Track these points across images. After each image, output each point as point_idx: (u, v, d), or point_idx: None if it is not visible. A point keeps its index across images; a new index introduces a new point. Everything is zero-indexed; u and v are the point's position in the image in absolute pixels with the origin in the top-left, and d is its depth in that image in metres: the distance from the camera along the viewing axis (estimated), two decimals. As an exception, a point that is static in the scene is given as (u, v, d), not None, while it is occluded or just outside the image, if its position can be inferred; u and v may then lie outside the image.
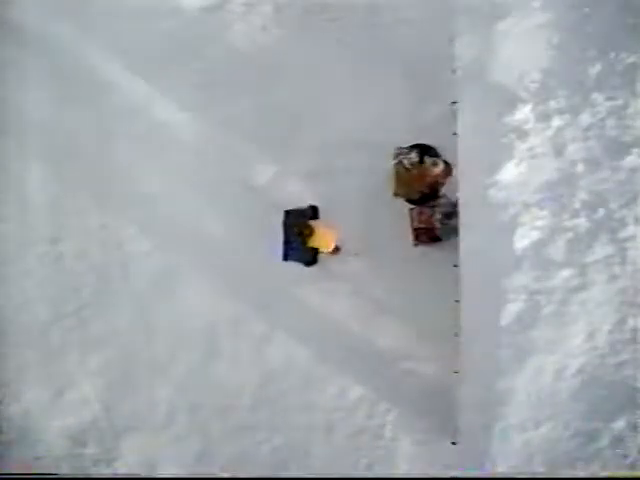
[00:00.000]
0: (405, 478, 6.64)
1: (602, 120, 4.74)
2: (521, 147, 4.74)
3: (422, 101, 6.71)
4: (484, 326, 4.69)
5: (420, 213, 6.44)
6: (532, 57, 4.86)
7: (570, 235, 4.62)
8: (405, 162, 6.20)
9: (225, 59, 7.66)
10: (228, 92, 7.54)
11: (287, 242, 6.92)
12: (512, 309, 4.59)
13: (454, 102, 5.21)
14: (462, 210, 5.04)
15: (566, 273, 4.58)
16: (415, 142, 6.45)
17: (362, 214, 6.87)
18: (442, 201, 6.27)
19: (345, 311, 6.94)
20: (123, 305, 7.34)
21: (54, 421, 7.27)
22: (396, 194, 6.41)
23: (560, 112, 4.73)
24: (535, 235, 4.66)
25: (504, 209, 4.70)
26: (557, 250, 4.59)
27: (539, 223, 4.66)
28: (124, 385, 7.23)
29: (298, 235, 6.62)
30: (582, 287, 4.54)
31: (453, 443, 5.33)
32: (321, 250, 6.86)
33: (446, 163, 6.12)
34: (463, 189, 5.03)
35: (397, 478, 6.68)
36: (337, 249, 6.94)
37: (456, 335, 5.01)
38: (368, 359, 6.86)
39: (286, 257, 6.97)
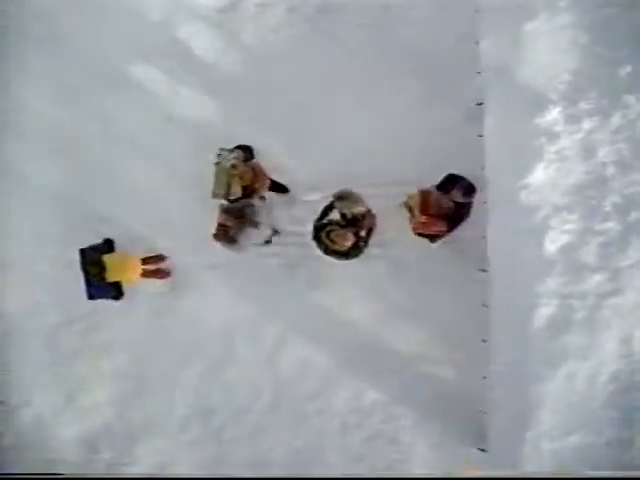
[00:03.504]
0: (406, 478, 6.62)
1: (632, 122, 4.67)
2: (551, 150, 4.67)
3: (437, 102, 6.60)
4: (514, 331, 4.62)
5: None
6: (561, 58, 4.79)
7: (602, 239, 4.55)
8: (225, 163, 6.15)
9: (238, 60, 7.55)
10: (241, 93, 7.43)
11: (88, 281, 6.75)
12: (543, 314, 4.52)
13: (479, 103, 5.13)
14: (490, 213, 4.95)
15: (598, 277, 4.51)
16: (427, 143, 6.39)
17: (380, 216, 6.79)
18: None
19: (362, 314, 6.85)
20: (136, 308, 7.23)
21: (67, 426, 7.20)
22: (214, 195, 6.33)
23: (590, 114, 4.66)
24: (566, 239, 4.59)
25: (534, 212, 4.62)
26: (588, 254, 4.52)
27: (569, 226, 4.58)
28: (138, 390, 7.15)
29: (94, 274, 6.55)
30: (615, 292, 4.47)
31: (481, 450, 5.25)
32: (126, 281, 6.86)
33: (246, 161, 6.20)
34: (491, 192, 4.95)
35: (398, 478, 6.65)
36: (153, 273, 6.94)
37: (484, 341, 4.93)
38: (384, 363, 6.78)
39: (91, 296, 6.82)
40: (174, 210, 7.13)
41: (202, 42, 7.64)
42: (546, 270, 4.59)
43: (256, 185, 6.43)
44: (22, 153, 7.69)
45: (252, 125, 7.28)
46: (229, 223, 6.48)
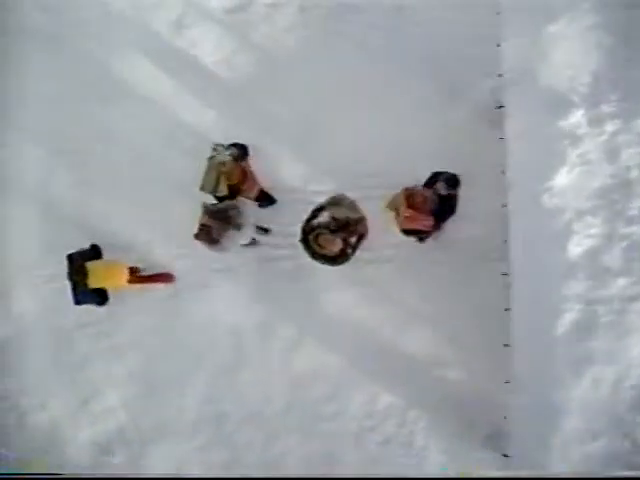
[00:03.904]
0: (408, 478, 6.59)
1: (656, 124, 4.62)
2: (574, 153, 4.62)
3: (455, 104, 6.58)
4: (537, 336, 4.57)
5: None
6: (583, 60, 4.73)
7: (626, 242, 4.51)
8: (218, 158, 6.12)
9: (248, 61, 7.50)
10: (253, 94, 7.39)
11: (74, 287, 6.79)
12: (568, 319, 4.47)
13: (500, 106, 5.08)
14: (512, 216, 4.91)
15: (623, 281, 4.46)
16: (444, 146, 6.34)
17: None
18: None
19: (376, 317, 6.81)
20: (147, 312, 7.20)
21: (80, 430, 7.19)
22: (202, 189, 6.30)
23: (613, 116, 4.61)
24: (589, 243, 4.54)
25: (557, 216, 4.58)
26: (613, 258, 4.47)
27: (593, 231, 4.54)
28: (150, 393, 7.13)
29: (77, 280, 6.57)
30: (640, 296, 4.42)
31: (505, 455, 5.21)
32: (111, 288, 6.90)
33: (236, 159, 6.14)
34: (512, 195, 4.90)
35: (399, 478, 6.63)
36: (139, 279, 6.96)
37: (506, 345, 4.88)
38: (399, 366, 6.76)
39: (78, 302, 6.86)
40: (185, 214, 7.04)
41: (211, 43, 7.60)
42: (570, 274, 4.54)
43: (243, 186, 6.38)
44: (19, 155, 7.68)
45: (263, 127, 7.25)
46: (211, 224, 6.41)
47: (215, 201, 6.71)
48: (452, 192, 6.37)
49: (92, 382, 7.21)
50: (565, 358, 4.46)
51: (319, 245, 5.70)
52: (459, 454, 6.62)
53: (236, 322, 7.04)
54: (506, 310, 4.90)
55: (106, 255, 7.19)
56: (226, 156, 6.15)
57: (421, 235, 6.42)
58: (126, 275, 6.74)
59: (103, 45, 7.71)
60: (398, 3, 7.27)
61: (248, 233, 6.67)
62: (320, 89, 7.22)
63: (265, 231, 7.03)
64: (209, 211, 6.49)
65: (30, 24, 7.89)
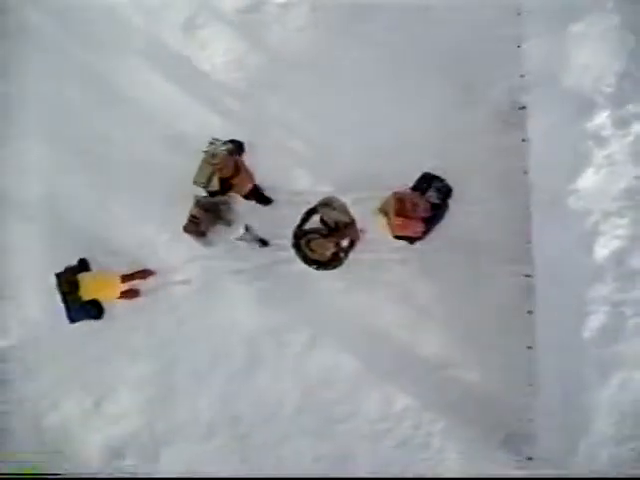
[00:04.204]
0: (410, 478, 6.58)
1: (682, 125, 4.59)
2: (599, 154, 4.58)
3: (470, 104, 6.53)
4: (563, 338, 4.54)
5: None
6: (607, 60, 4.70)
7: (653, 244, 4.48)
8: (210, 151, 6.05)
9: (262, 60, 7.46)
10: (266, 94, 7.35)
11: (67, 305, 6.74)
12: (594, 321, 4.44)
13: (522, 107, 5.04)
14: (535, 218, 4.87)
15: (650, 283, 4.43)
16: (461, 144, 6.31)
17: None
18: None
19: (392, 319, 6.78)
20: (162, 315, 7.15)
21: (93, 433, 7.13)
22: (195, 182, 6.25)
23: (638, 117, 4.57)
24: (616, 244, 4.51)
25: (583, 218, 4.54)
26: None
27: (620, 232, 4.50)
28: (164, 396, 7.07)
29: (69, 293, 6.50)
30: (667, 298, 4.39)
31: (529, 459, 5.17)
32: (104, 299, 6.86)
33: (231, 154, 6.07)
34: (536, 196, 4.86)
35: (401, 478, 6.61)
36: (133, 292, 6.92)
37: (529, 347, 4.85)
38: (414, 368, 6.72)
39: (72, 320, 6.82)
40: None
41: (222, 44, 7.56)
42: (596, 276, 4.51)
43: (235, 181, 6.28)
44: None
45: (277, 127, 7.22)
46: (201, 216, 6.31)
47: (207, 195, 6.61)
48: (442, 202, 6.38)
49: (106, 385, 7.15)
50: (592, 361, 4.43)
51: (311, 250, 5.65)
52: (476, 456, 6.56)
53: (250, 324, 6.99)
54: (529, 313, 4.85)
55: (110, 263, 7.14)
56: (219, 149, 6.09)
57: (412, 239, 6.41)
58: (119, 284, 6.69)
59: (106, 48, 7.64)
60: (412, 3, 7.23)
61: (237, 229, 6.54)
62: (333, 89, 7.18)
63: (264, 243, 6.97)
64: (200, 204, 6.40)
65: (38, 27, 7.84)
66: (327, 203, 5.80)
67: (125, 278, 6.87)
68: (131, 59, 7.58)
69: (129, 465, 7.04)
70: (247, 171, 6.45)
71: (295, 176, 7.16)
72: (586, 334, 4.44)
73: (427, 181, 6.44)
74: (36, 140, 7.63)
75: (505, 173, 5.76)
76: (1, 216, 7.59)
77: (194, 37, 7.60)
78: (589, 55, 4.76)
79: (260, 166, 7.04)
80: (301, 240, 5.66)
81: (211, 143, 6.15)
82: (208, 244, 6.27)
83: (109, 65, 7.60)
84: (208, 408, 7.01)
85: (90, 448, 7.11)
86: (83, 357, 7.19)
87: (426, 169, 6.39)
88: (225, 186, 6.26)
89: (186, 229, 6.45)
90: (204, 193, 6.51)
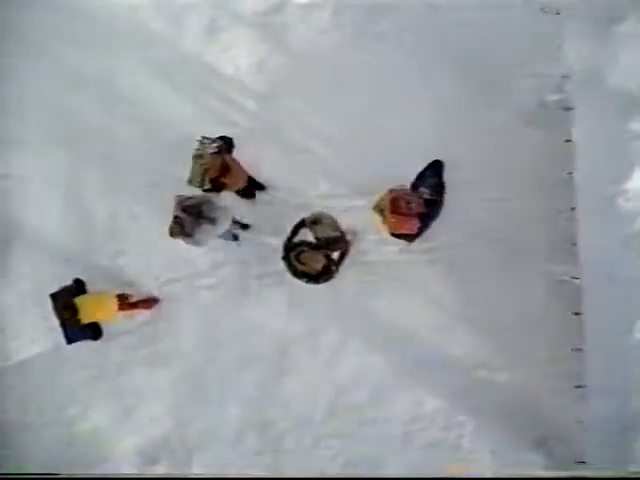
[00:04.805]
0: (412, 478, 6.59)
1: None
2: (648, 155, 4.54)
3: (501, 104, 6.52)
4: (611, 340, 4.51)
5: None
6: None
7: None
8: (197, 152, 6.03)
9: (284, 63, 7.44)
10: (287, 96, 7.32)
11: (64, 325, 6.70)
12: (644, 325, 4.42)
13: (566, 108, 5.00)
14: (581, 219, 4.83)
15: None
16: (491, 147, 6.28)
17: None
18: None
19: (421, 320, 6.77)
20: (190, 319, 7.14)
21: (124, 439, 7.13)
22: (189, 182, 6.18)
23: (686, 116, 4.54)
24: (667, 245, 4.48)
25: (633, 219, 4.50)
26: (691, 262, 4.41)
27: (671, 233, 4.47)
28: (195, 401, 7.06)
29: (67, 317, 6.45)
30: None
31: (581, 462, 5.16)
32: (103, 320, 6.83)
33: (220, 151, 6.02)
34: (581, 198, 4.82)
35: (404, 478, 6.65)
36: (129, 306, 6.88)
37: (577, 350, 4.83)
38: (444, 369, 6.72)
39: (70, 341, 6.78)
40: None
41: (244, 47, 7.52)
42: (647, 279, 4.49)
43: (225, 179, 6.22)
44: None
45: (299, 129, 7.19)
46: (184, 217, 6.16)
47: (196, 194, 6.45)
48: (436, 198, 6.38)
49: (135, 391, 7.14)
50: (640, 363, 4.41)
51: (301, 263, 5.63)
52: (508, 457, 6.57)
53: (280, 327, 6.97)
54: (575, 314, 4.83)
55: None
56: (205, 150, 6.03)
57: (409, 237, 6.39)
58: (115, 305, 6.65)
59: (125, 51, 7.60)
60: (434, 3, 7.19)
61: (223, 227, 6.35)
62: (355, 91, 7.14)
63: (244, 227, 6.93)
64: (181, 205, 6.31)
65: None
66: (315, 220, 5.78)
67: (124, 306, 6.84)
68: (151, 62, 7.54)
69: (160, 471, 7.04)
70: (238, 168, 6.42)
71: (314, 179, 7.13)
72: (637, 335, 4.42)
73: (422, 176, 6.53)
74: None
75: (548, 174, 5.71)
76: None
77: (216, 40, 7.57)
78: (633, 54, 4.71)
79: (280, 168, 7.12)
80: (291, 253, 5.65)
81: (201, 142, 6.09)
82: (197, 244, 6.20)
83: (127, 68, 7.56)
84: (239, 412, 7.00)
85: (121, 455, 7.10)
86: (111, 364, 7.19)
87: (458, 171, 6.38)
88: (217, 185, 6.21)
89: (172, 234, 6.21)
90: (187, 193, 6.31)
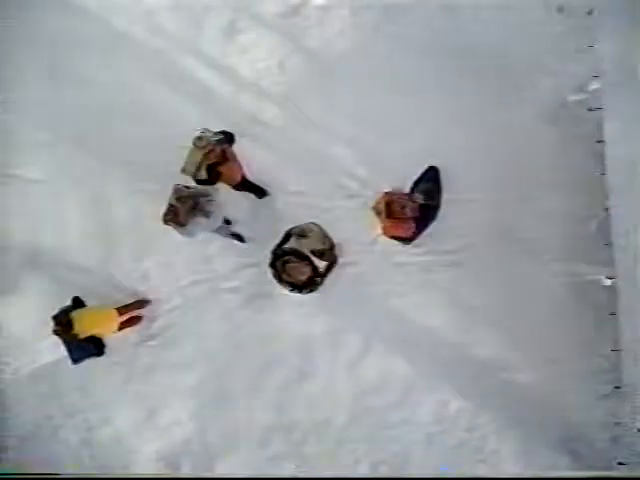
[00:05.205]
0: (414, 478, 6.63)
1: None
2: (679, 154, 4.55)
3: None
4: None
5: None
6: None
7: None
8: (196, 142, 5.96)
9: (303, 65, 7.42)
10: (307, 98, 7.30)
11: (68, 347, 6.67)
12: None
13: (598, 108, 5.00)
14: (614, 219, 4.83)
15: None
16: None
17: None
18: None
19: (445, 321, 6.76)
20: (212, 323, 7.10)
21: (147, 443, 7.08)
22: (182, 170, 6.10)
23: None
24: (702, 245, 4.48)
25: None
26: None
27: None
28: (217, 405, 7.03)
29: (66, 333, 6.29)
30: None
31: (620, 463, 5.16)
32: (103, 334, 6.81)
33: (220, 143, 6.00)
34: (614, 198, 4.83)
35: (406, 478, 6.66)
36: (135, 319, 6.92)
37: (615, 350, 4.82)
38: (468, 370, 6.72)
39: (75, 361, 6.76)
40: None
41: (263, 48, 7.49)
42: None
43: (223, 169, 6.18)
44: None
45: (317, 130, 7.16)
46: (179, 206, 6.08)
47: (192, 184, 6.33)
48: (430, 202, 6.39)
49: (158, 394, 7.10)
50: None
51: (287, 273, 5.62)
52: (532, 458, 6.57)
53: (303, 330, 6.95)
54: (611, 315, 4.83)
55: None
56: (208, 138, 5.97)
57: (405, 240, 6.41)
58: (116, 318, 6.61)
59: (144, 52, 7.56)
60: (450, 3, 7.20)
61: (216, 221, 6.32)
62: (373, 91, 7.13)
63: (227, 223, 6.88)
64: (179, 195, 6.26)
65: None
66: (302, 234, 5.76)
67: (122, 310, 6.79)
68: (171, 64, 7.48)
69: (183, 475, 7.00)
70: (236, 161, 6.38)
71: (338, 182, 7.10)
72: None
73: (418, 181, 6.56)
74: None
75: (578, 174, 5.73)
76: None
77: (235, 42, 7.54)
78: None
79: (299, 170, 7.11)
80: (277, 262, 5.64)
81: (202, 132, 6.04)
82: (188, 234, 6.15)
83: (145, 70, 7.52)
84: (262, 415, 6.97)
85: (144, 460, 7.05)
86: (133, 368, 7.14)
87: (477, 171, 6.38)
88: (213, 174, 6.14)
89: (166, 220, 6.15)
90: (187, 183, 6.26)
